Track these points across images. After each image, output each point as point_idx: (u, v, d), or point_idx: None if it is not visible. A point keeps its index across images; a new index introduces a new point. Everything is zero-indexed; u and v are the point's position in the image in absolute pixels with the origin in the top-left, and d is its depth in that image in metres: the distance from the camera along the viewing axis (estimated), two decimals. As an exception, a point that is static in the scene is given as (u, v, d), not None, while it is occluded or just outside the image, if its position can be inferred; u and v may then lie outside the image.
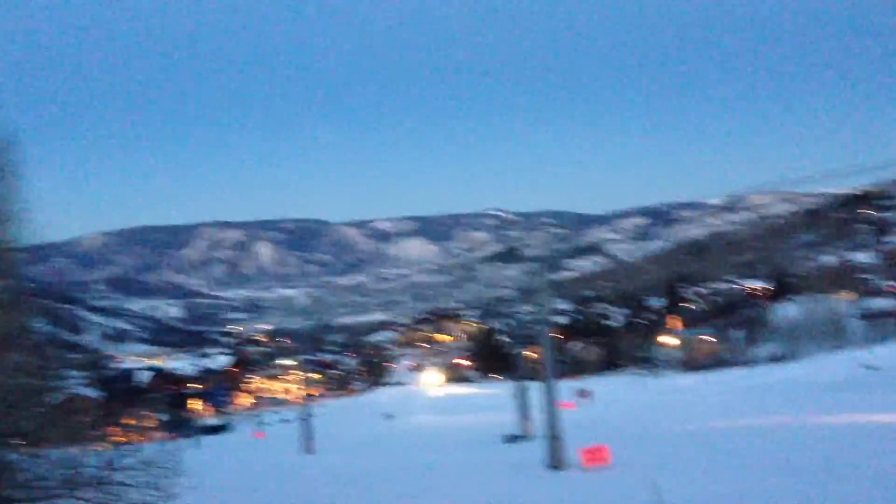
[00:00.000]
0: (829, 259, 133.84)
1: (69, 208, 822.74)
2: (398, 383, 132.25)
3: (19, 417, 10.46)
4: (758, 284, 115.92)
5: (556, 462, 21.07)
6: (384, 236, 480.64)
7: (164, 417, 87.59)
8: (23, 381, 10.50)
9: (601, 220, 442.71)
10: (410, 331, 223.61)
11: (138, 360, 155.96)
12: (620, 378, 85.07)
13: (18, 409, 10.44)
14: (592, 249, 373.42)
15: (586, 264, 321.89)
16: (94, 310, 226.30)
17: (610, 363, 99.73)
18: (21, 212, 10.45)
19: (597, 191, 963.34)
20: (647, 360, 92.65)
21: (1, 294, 10.35)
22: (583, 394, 57.19)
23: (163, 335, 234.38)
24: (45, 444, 11.46)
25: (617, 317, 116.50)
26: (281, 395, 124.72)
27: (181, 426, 79.15)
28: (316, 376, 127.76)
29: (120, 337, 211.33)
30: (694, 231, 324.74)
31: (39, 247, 12.25)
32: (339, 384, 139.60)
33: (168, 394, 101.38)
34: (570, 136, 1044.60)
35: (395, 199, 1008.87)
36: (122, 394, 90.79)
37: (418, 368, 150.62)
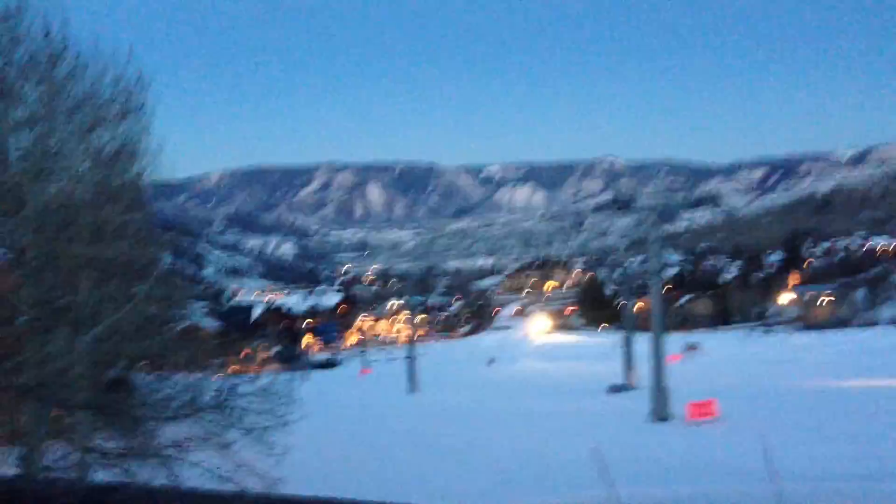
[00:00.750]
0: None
1: (193, 148, 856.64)
2: (503, 328, 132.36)
3: (147, 343, 11.10)
4: (885, 242, 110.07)
5: (661, 414, 20.89)
6: (494, 182, 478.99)
7: (277, 350, 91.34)
8: (150, 309, 11.08)
9: (720, 171, 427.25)
10: (517, 277, 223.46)
11: (254, 294, 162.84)
12: (732, 333, 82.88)
13: (146, 335, 11.07)
14: (709, 201, 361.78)
15: (702, 216, 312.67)
16: (214, 245, 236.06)
17: (722, 318, 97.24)
18: (150, 150, 10.91)
19: (717, 141, 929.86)
20: (761, 317, 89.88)
21: (133, 227, 10.92)
22: (692, 348, 56.17)
23: (277, 272, 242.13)
24: (169, 369, 12.15)
25: (731, 271, 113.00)
26: (388, 335, 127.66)
27: (293, 359, 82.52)
28: (422, 318, 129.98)
29: (237, 272, 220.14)
30: (819, 184, 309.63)
31: (166, 183, 12.78)
32: (445, 327, 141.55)
33: (281, 328, 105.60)
34: (690, 83, 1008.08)
35: (507, 146, 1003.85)
36: (238, 325, 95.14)
37: (524, 315, 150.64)
